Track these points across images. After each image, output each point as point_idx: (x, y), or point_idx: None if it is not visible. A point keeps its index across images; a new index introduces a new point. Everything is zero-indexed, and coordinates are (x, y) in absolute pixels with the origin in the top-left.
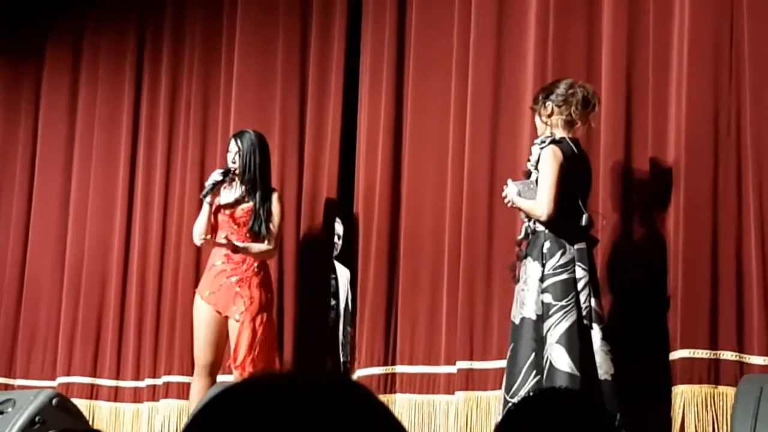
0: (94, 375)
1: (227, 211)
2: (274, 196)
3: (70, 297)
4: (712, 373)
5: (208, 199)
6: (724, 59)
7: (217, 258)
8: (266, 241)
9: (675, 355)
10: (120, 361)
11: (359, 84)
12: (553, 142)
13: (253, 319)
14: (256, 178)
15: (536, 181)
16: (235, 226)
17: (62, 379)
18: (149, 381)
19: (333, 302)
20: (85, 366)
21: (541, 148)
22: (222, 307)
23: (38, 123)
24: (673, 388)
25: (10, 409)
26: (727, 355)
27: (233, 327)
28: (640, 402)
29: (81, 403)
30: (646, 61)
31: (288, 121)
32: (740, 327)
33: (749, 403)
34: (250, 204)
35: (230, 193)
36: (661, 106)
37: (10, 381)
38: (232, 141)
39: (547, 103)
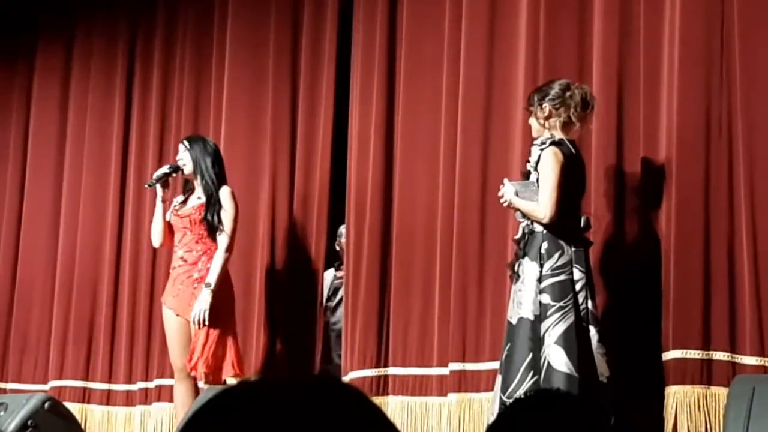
0: (86, 378)
1: (178, 210)
2: (226, 190)
3: (62, 300)
4: (704, 374)
5: (159, 194)
6: (715, 59)
7: (174, 262)
8: (221, 241)
9: (667, 355)
10: (112, 365)
11: (350, 84)
12: (554, 143)
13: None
14: (206, 173)
15: (536, 181)
16: (188, 225)
17: (54, 383)
18: (141, 384)
19: (325, 304)
20: (77, 369)
21: (542, 149)
22: (182, 310)
23: (29, 124)
24: (665, 388)
25: (2, 413)
26: (720, 355)
27: (193, 329)
28: (633, 402)
29: (73, 407)
30: (637, 61)
31: (279, 121)
32: (732, 327)
33: (741, 404)
34: (202, 199)
35: (181, 196)
36: (653, 106)
37: (2, 385)
38: (180, 145)
39: (543, 105)
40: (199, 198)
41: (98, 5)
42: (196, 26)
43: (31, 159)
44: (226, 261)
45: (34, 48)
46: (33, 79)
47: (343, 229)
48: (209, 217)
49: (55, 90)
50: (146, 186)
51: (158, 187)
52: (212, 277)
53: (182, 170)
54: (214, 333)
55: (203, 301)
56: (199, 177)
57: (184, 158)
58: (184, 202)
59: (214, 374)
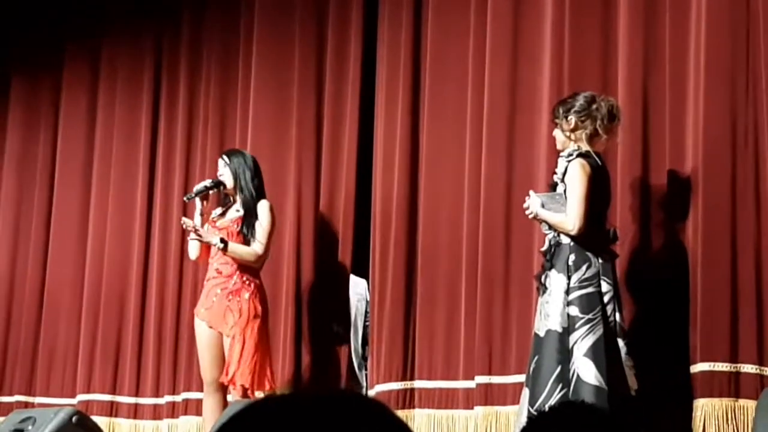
0: (113, 392)
1: (216, 222)
2: (265, 204)
3: (90, 314)
4: (732, 386)
5: (198, 208)
6: (740, 70)
7: (209, 274)
8: (254, 247)
9: (695, 368)
10: (139, 378)
11: (375, 97)
12: (581, 155)
13: (243, 333)
14: (246, 187)
15: (563, 193)
16: (225, 237)
17: (82, 397)
18: (169, 398)
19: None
20: (104, 383)
21: (568, 161)
22: (214, 323)
23: (57, 140)
24: (693, 401)
25: (30, 427)
26: (748, 368)
27: (226, 342)
28: (661, 415)
29: (101, 421)
30: (663, 72)
31: (304, 135)
32: (760, 340)
33: None
34: (240, 213)
35: (219, 208)
36: (679, 118)
37: (30, 399)
38: (220, 159)
39: (569, 118)
40: (237, 211)
41: (124, 21)
42: (221, 41)
43: (58, 174)
44: (251, 259)
45: (61, 63)
46: (60, 94)
47: None
48: (245, 230)
49: (82, 105)
50: (185, 199)
51: (197, 200)
52: (232, 246)
53: (223, 185)
54: (250, 346)
55: (210, 236)
56: (239, 191)
57: (225, 173)
58: (223, 214)
59: (251, 388)
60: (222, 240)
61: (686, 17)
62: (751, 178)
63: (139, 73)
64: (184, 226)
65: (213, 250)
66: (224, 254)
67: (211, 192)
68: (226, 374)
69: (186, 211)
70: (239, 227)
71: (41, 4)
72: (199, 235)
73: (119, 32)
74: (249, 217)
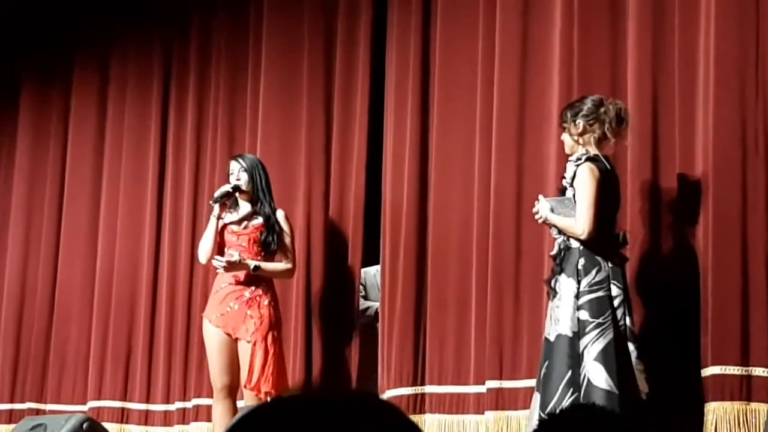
0: (124, 399)
1: (234, 229)
2: (282, 214)
3: (100, 321)
4: (743, 390)
5: (216, 211)
6: (750, 74)
7: (223, 281)
8: (283, 260)
9: (706, 371)
10: (150, 385)
11: (384, 103)
12: (589, 159)
13: (264, 339)
14: (264, 195)
15: (572, 197)
16: (244, 244)
17: (93, 404)
18: (179, 404)
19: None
20: (115, 390)
21: (577, 166)
22: (232, 329)
23: (66, 148)
24: (705, 405)
25: None
26: (759, 371)
27: (244, 348)
28: (672, 419)
29: (112, 427)
30: (672, 77)
31: (314, 142)
32: None
33: None
34: (259, 220)
35: (235, 212)
36: (688, 122)
37: (41, 406)
38: (233, 162)
39: (577, 121)
40: (256, 217)
41: (133, 29)
42: (230, 49)
43: (68, 181)
44: (287, 274)
45: (70, 72)
46: (70, 102)
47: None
48: (270, 239)
49: (92, 113)
50: (210, 203)
51: (216, 205)
52: (265, 265)
53: (240, 189)
54: (272, 352)
55: (244, 265)
56: (254, 196)
57: (242, 176)
58: (240, 221)
59: (276, 393)
60: (256, 267)
61: (695, 21)
62: (762, 181)
63: (149, 81)
64: (216, 264)
65: (227, 254)
66: (260, 275)
67: (230, 197)
68: (249, 381)
69: (195, 217)
70: (262, 235)
71: (50, 14)
72: (233, 266)
73: (128, 40)
74: (269, 226)
